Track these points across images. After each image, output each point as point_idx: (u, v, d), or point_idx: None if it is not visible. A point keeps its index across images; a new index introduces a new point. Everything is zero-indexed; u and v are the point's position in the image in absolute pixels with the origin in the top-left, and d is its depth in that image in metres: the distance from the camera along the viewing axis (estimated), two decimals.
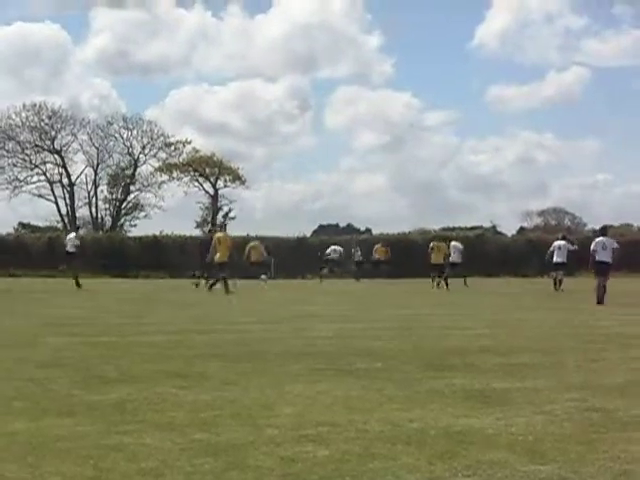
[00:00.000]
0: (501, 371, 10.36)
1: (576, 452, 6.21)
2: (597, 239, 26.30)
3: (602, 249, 25.69)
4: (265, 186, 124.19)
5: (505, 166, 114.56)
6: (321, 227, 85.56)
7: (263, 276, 39.42)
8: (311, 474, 5.66)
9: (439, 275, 37.66)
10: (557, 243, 35.17)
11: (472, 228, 64.37)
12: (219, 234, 31.79)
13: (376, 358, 11.51)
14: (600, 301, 24.73)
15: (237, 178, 77.10)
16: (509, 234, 69.63)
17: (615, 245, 26.09)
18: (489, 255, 56.70)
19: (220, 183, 77.56)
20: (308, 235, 60.04)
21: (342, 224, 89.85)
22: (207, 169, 77.11)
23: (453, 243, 40.66)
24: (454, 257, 39.14)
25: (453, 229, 66.26)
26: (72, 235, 36.54)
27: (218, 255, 30.73)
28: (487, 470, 5.74)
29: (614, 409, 7.82)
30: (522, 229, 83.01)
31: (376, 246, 49.98)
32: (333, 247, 49.19)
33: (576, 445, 6.40)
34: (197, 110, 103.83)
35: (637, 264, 49.56)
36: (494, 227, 69.44)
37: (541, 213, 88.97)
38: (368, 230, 76.59)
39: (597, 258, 25.70)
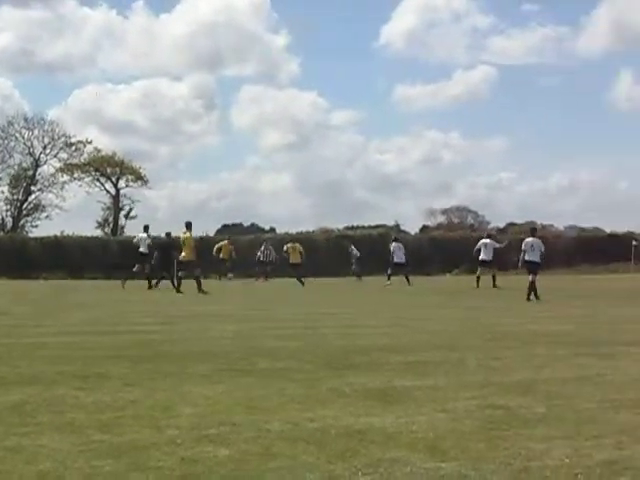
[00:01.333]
0: (403, 369, 10.40)
1: (477, 449, 6.25)
2: (527, 239, 27.47)
3: (531, 249, 27.00)
4: (170, 185, 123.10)
5: (411, 165, 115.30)
6: (225, 226, 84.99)
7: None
8: (212, 474, 5.62)
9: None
10: (483, 241, 35.57)
11: (376, 227, 64.58)
12: (184, 235, 31.70)
13: (277, 358, 11.48)
14: (529, 298, 25.66)
15: (139, 178, 76.36)
16: (412, 233, 70.13)
17: (542, 247, 27.26)
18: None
19: (122, 183, 76.72)
20: (212, 235, 59.45)
21: (246, 223, 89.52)
22: (109, 169, 76.20)
23: (394, 244, 40.53)
24: (398, 257, 39.08)
25: (356, 228, 66.51)
26: None
27: (183, 254, 30.96)
28: (388, 468, 5.74)
29: (515, 406, 7.89)
30: (425, 227, 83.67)
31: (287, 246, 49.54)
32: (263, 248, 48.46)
33: (477, 442, 6.44)
34: (101, 109, 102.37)
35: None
36: (397, 226, 69.82)
37: (444, 211, 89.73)
38: (272, 229, 76.47)
39: (526, 258, 27.06)
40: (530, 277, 26.25)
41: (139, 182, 76.68)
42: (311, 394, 8.61)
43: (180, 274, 31.37)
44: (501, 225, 79.49)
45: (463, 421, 7.22)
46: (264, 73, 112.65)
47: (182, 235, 31.73)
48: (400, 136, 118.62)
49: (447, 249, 55.08)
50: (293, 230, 60.44)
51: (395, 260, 37.77)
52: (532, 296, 25.59)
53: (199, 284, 30.16)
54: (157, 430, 6.82)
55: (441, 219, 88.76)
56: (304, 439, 6.56)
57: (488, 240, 35.68)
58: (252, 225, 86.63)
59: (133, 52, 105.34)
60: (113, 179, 76.58)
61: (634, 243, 52.70)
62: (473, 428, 6.94)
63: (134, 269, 34.94)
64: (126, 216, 76.08)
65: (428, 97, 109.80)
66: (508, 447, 6.30)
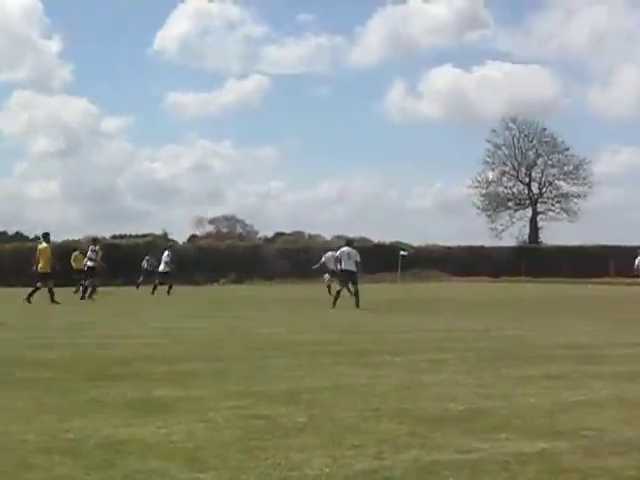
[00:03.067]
0: (165, 379, 10.26)
1: (236, 459, 6.19)
2: (343, 249, 27.93)
3: (347, 258, 27.50)
4: None
5: (181, 173, 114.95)
6: None
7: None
8: None
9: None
10: (345, 249, 32.64)
11: (143, 235, 63.94)
12: (41, 245, 30.69)
13: (36, 368, 11.14)
14: (334, 306, 26.52)
15: None
16: (181, 241, 69.83)
17: (358, 258, 27.67)
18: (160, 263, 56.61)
19: None
20: None
21: (11, 232, 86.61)
22: None
23: (165, 253, 39.89)
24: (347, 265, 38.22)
25: (123, 237, 65.61)
26: None
27: (40, 265, 30.08)
28: (145, 479, 5.62)
29: (277, 416, 7.88)
30: (194, 236, 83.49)
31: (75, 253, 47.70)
32: (147, 257, 46.58)
33: (237, 453, 6.38)
34: None
35: (305, 270, 50.73)
36: (165, 234, 69.48)
37: (212, 221, 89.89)
38: (37, 238, 74.24)
39: (343, 267, 27.61)
40: (340, 286, 27.28)
41: None
42: (70, 405, 8.38)
43: (38, 285, 30.32)
44: (270, 234, 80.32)
45: (223, 431, 7.15)
46: (36, 79, 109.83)
47: (39, 246, 30.89)
48: (171, 144, 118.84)
49: (214, 258, 55.15)
50: (59, 239, 58.85)
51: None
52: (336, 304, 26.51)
53: (51, 294, 29.44)
54: None
55: (210, 228, 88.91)
56: (61, 450, 6.38)
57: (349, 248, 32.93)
58: (17, 234, 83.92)
59: None
60: None
61: (402, 253, 54.17)
62: (233, 438, 6.88)
63: None
64: None
65: (200, 105, 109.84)
66: (268, 457, 6.26)
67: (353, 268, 27.57)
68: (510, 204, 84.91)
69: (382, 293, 38.98)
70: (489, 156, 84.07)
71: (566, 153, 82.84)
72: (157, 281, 38.88)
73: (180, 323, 20.59)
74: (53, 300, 29.23)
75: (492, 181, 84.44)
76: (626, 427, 7.51)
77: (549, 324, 20.65)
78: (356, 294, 27.02)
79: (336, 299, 27.11)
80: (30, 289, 29.53)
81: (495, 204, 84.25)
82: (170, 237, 69.02)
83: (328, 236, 77.44)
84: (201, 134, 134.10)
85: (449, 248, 68.31)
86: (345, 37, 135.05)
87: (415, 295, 37.32)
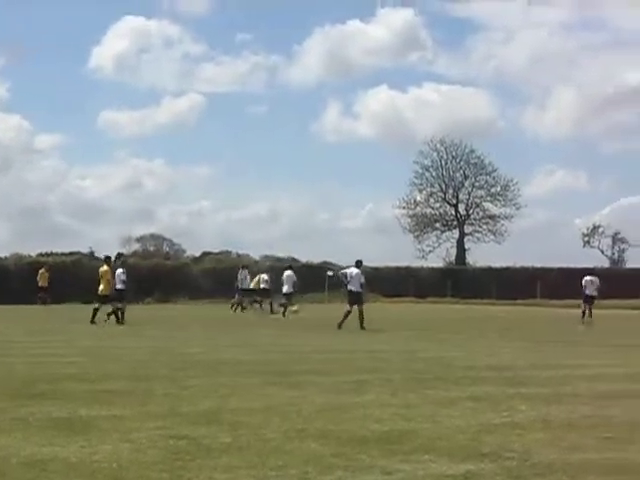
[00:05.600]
0: (89, 398, 10.16)
1: (160, 479, 6.15)
2: (352, 270, 28.11)
3: (356, 279, 27.73)
4: None
5: (112, 192, 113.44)
6: None
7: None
8: None
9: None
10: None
11: (70, 254, 63.23)
12: (102, 268, 30.93)
13: None
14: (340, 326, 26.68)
15: None
16: None
17: (362, 279, 28.02)
18: (84, 281, 55.92)
19: None
20: None
21: None
22: None
23: (118, 271, 39.29)
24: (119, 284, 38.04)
25: (50, 254, 64.69)
26: None
27: (101, 288, 30.22)
28: None
29: (200, 436, 7.85)
30: (120, 255, 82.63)
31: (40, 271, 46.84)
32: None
33: (160, 473, 6.36)
34: None
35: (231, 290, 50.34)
36: (92, 253, 68.69)
37: (139, 239, 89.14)
38: None
39: (349, 287, 27.86)
40: (353, 307, 27.31)
41: None
42: None
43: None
44: (197, 254, 79.78)
45: (147, 451, 7.12)
46: None
47: (101, 269, 31.03)
48: (104, 162, 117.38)
49: (140, 277, 54.70)
50: None
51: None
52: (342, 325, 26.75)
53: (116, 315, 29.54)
54: None
55: (137, 246, 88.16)
56: None
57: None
58: None
59: None
60: None
61: (329, 273, 54.13)
62: (157, 458, 6.85)
63: None
64: None
65: (135, 123, 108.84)
66: (192, 477, 6.25)
67: (359, 289, 27.91)
68: (437, 225, 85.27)
69: (309, 313, 38.97)
70: (417, 177, 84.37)
71: (493, 175, 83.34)
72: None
73: (105, 342, 20.41)
74: (119, 321, 29.26)
75: (419, 202, 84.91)
76: (550, 449, 7.61)
77: (474, 345, 20.83)
78: (361, 314, 27.16)
79: (343, 320, 27.28)
80: None
81: (422, 225, 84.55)
82: (96, 255, 68.27)
83: (256, 256, 77.27)
84: (134, 152, 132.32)
85: (377, 269, 68.54)
86: (283, 56, 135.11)
87: (340, 315, 37.35)
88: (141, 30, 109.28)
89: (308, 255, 76.03)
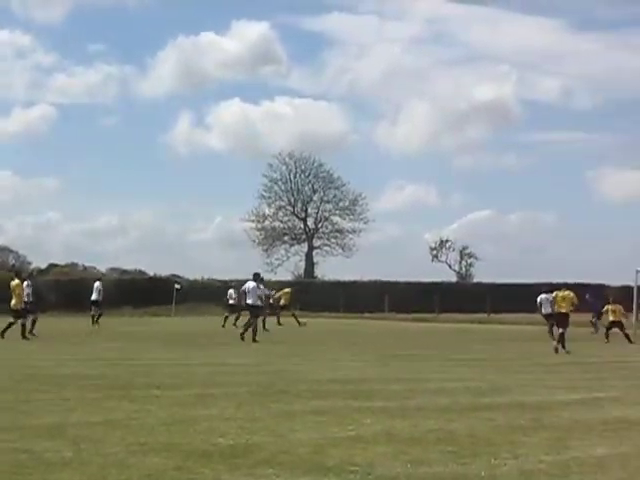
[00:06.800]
0: None
1: None
2: (249, 284, 28.01)
3: (249, 292, 27.77)
4: None
5: None
6: None
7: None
8: None
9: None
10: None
11: None
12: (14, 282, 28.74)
13: None
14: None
15: None
16: None
17: (267, 292, 29.75)
18: None
19: None
20: None
21: None
22: None
23: (96, 284, 38.05)
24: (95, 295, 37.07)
25: None
26: None
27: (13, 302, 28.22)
28: None
29: (42, 450, 7.74)
30: None
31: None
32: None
33: None
34: None
35: (82, 302, 49.12)
36: None
37: None
38: None
39: (247, 301, 27.75)
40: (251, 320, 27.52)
41: None
42: None
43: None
44: (43, 266, 78.17)
45: None
46: None
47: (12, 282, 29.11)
48: None
49: None
50: None
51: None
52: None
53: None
54: None
55: None
56: None
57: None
58: None
59: None
60: None
61: (176, 287, 53.91)
62: None
63: None
64: None
65: None
66: None
67: (256, 302, 27.92)
68: (286, 239, 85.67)
69: (154, 326, 38.70)
70: (265, 190, 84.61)
71: (342, 189, 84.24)
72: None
73: None
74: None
75: (268, 216, 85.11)
76: (394, 462, 7.74)
77: (320, 358, 20.97)
78: (253, 327, 27.39)
79: (253, 332, 27.38)
80: None
81: (271, 239, 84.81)
82: None
83: (103, 268, 76.24)
84: None
85: (225, 282, 68.40)
86: (135, 68, 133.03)
87: (186, 329, 37.21)
88: None
89: (156, 268, 75.16)
